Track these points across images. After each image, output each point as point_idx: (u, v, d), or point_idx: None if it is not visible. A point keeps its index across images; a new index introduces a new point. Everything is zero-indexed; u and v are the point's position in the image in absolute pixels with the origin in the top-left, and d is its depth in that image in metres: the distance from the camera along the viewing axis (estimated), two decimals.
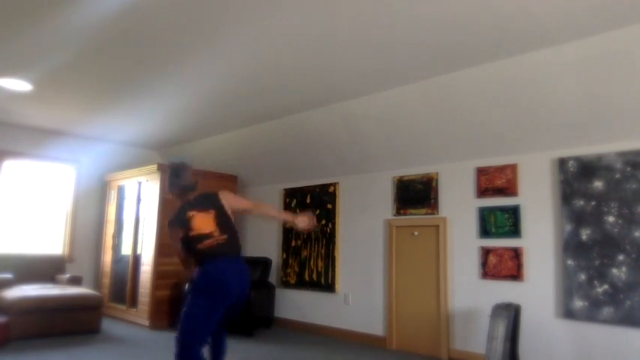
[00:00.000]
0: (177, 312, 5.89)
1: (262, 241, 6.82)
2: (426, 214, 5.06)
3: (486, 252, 4.53)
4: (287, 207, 6.51)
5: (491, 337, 3.87)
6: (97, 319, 5.33)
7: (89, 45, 3.72)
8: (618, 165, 3.85)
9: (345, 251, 5.78)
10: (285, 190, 6.62)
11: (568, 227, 4.04)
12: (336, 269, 5.79)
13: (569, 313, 3.95)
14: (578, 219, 4.00)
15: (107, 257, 6.80)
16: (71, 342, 4.80)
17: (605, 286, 3.79)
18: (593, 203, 3.93)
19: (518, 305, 4.07)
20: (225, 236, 2.93)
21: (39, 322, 4.89)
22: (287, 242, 6.45)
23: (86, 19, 3.27)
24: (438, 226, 4.92)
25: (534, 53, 3.57)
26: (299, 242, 6.29)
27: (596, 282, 3.84)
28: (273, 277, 6.49)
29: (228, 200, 3.10)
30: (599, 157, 3.95)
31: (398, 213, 5.30)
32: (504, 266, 4.39)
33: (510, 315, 3.88)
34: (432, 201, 5.02)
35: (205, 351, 2.83)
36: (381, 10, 3.05)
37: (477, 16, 3.08)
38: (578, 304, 3.90)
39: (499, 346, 3.81)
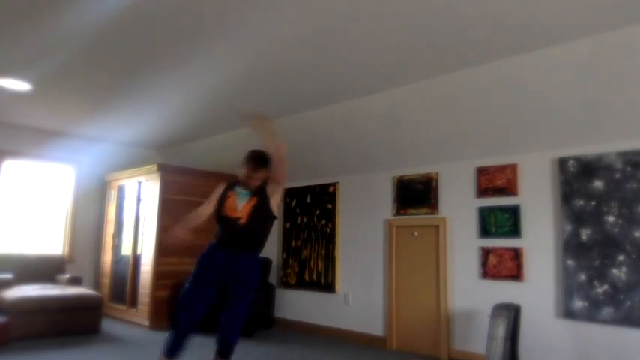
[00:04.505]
0: None
1: None
2: (425, 214, 5.06)
3: (486, 252, 4.53)
4: (287, 207, 6.52)
5: (491, 337, 3.87)
6: (97, 319, 5.33)
7: (89, 45, 3.72)
8: (618, 165, 3.85)
9: (345, 251, 5.78)
10: (285, 190, 6.62)
11: (568, 227, 4.04)
12: (336, 269, 5.79)
13: (569, 313, 3.95)
14: (578, 219, 4.00)
15: (107, 257, 6.80)
16: (71, 342, 4.80)
17: (605, 286, 3.79)
18: (593, 203, 3.93)
19: (518, 305, 4.07)
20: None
21: (39, 322, 4.89)
22: (287, 242, 6.45)
23: (86, 19, 3.27)
24: (437, 226, 4.92)
25: (534, 53, 3.57)
26: (299, 242, 6.29)
27: (596, 282, 3.84)
28: (273, 277, 6.49)
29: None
30: (599, 157, 3.95)
31: (398, 213, 5.30)
32: (504, 266, 4.39)
33: (510, 315, 3.89)
34: (432, 201, 5.02)
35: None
36: (381, 10, 3.05)
37: (477, 16, 3.08)
38: (578, 304, 3.90)
39: (499, 346, 3.81)
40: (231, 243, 3.24)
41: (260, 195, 3.27)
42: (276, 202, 3.32)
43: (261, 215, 3.26)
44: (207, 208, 3.31)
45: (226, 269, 3.22)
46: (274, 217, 3.39)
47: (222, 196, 3.29)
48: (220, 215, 3.25)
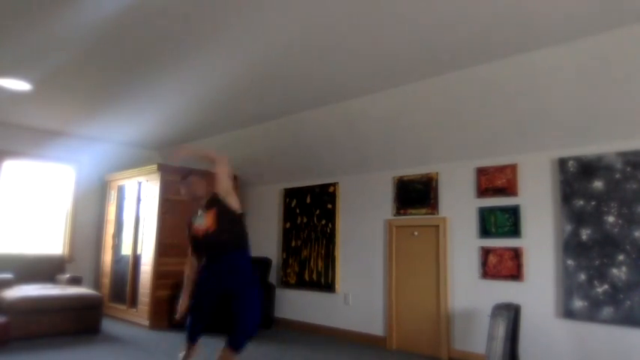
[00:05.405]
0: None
1: (262, 241, 6.82)
2: (426, 214, 5.06)
3: (486, 252, 4.53)
4: (287, 207, 6.52)
5: (491, 337, 3.87)
6: (97, 319, 5.33)
7: (89, 45, 3.72)
8: (618, 165, 3.85)
9: (345, 251, 5.78)
10: (285, 190, 6.62)
11: (568, 227, 4.04)
12: (336, 269, 5.79)
13: (569, 313, 3.95)
14: (578, 219, 4.00)
15: (107, 257, 6.80)
16: (71, 342, 4.80)
17: (605, 286, 3.79)
18: (593, 203, 3.93)
19: (518, 305, 4.08)
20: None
21: (39, 322, 4.89)
22: (287, 242, 6.45)
23: (86, 19, 3.27)
24: (438, 226, 4.92)
25: (534, 53, 3.57)
26: (299, 242, 6.29)
27: (596, 282, 3.84)
28: (273, 277, 6.49)
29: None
30: (599, 157, 3.95)
31: (398, 213, 5.30)
32: (504, 266, 4.39)
33: (510, 315, 3.89)
34: (432, 201, 5.02)
35: None
36: (379, 11, 3.05)
37: (477, 16, 3.08)
38: (578, 304, 3.91)
39: (499, 346, 3.81)
40: (213, 252, 3.39)
41: (216, 204, 3.43)
42: (234, 202, 3.46)
43: (226, 216, 3.39)
44: (191, 259, 3.62)
45: (220, 278, 3.36)
46: (241, 214, 3.53)
47: (189, 233, 3.54)
48: (195, 241, 3.47)
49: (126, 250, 6.50)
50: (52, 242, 6.70)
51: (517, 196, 4.40)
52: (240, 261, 3.39)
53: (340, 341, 5.40)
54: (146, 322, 5.77)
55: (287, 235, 6.46)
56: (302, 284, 6.14)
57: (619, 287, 3.73)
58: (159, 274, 5.84)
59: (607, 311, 3.76)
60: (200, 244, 3.44)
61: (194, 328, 3.47)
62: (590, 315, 3.84)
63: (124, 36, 3.54)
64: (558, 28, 3.22)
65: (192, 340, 3.50)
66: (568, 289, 3.98)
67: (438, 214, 4.96)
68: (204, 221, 3.39)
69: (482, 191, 4.64)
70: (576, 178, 4.05)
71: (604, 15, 3.02)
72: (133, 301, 6.12)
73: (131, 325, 5.92)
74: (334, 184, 6.00)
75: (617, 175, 3.85)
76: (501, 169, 4.54)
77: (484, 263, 4.53)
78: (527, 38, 3.37)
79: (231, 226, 3.39)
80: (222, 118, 5.69)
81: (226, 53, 3.80)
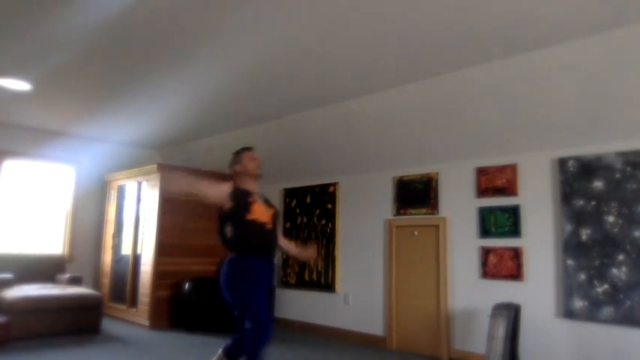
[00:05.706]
0: (177, 312, 5.88)
1: None
2: (426, 214, 5.06)
3: (486, 252, 4.53)
4: (287, 207, 6.52)
5: (491, 337, 3.87)
6: (97, 319, 5.33)
7: (89, 45, 3.72)
8: (618, 165, 3.85)
9: (345, 251, 5.78)
10: (285, 190, 6.62)
11: (568, 227, 4.04)
12: (336, 269, 5.79)
13: (569, 313, 3.95)
14: (578, 219, 4.00)
15: (107, 257, 6.80)
16: (71, 342, 4.80)
17: (605, 286, 3.79)
18: (593, 203, 3.93)
19: (518, 305, 4.07)
20: None
21: (39, 322, 4.89)
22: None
23: (86, 19, 3.27)
24: (438, 226, 4.92)
25: (534, 53, 3.57)
26: (299, 242, 6.29)
27: (596, 282, 3.84)
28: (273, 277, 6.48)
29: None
30: (599, 157, 3.95)
31: (398, 213, 5.30)
32: (504, 266, 4.39)
33: (510, 315, 3.89)
34: (432, 201, 5.02)
35: None
36: (380, 10, 3.05)
37: (477, 16, 3.08)
38: (578, 304, 3.91)
39: (499, 346, 3.81)
40: (269, 249, 3.18)
41: (274, 207, 3.28)
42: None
43: (276, 223, 3.25)
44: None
45: (269, 278, 3.21)
46: None
47: (244, 202, 3.11)
48: (248, 220, 3.06)
49: (126, 250, 6.50)
50: (52, 242, 6.70)
51: (517, 196, 4.40)
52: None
53: (340, 341, 5.40)
54: (146, 322, 5.77)
55: (287, 235, 6.46)
56: (302, 284, 6.14)
57: (619, 287, 3.73)
58: (159, 274, 5.84)
59: (607, 311, 3.76)
60: (258, 231, 3.10)
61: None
62: (590, 315, 3.84)
63: (125, 36, 3.54)
64: (558, 28, 3.22)
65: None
66: (568, 289, 3.98)
67: (438, 214, 4.96)
68: (267, 213, 3.19)
69: (482, 191, 4.64)
70: (576, 178, 4.05)
71: (604, 15, 3.02)
72: (133, 301, 6.12)
73: (131, 325, 5.92)
74: (334, 184, 6.00)
75: (617, 175, 3.85)
76: (501, 169, 4.54)
77: (484, 263, 4.53)
78: (527, 38, 3.37)
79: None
80: (222, 118, 5.69)
81: (226, 53, 3.80)
